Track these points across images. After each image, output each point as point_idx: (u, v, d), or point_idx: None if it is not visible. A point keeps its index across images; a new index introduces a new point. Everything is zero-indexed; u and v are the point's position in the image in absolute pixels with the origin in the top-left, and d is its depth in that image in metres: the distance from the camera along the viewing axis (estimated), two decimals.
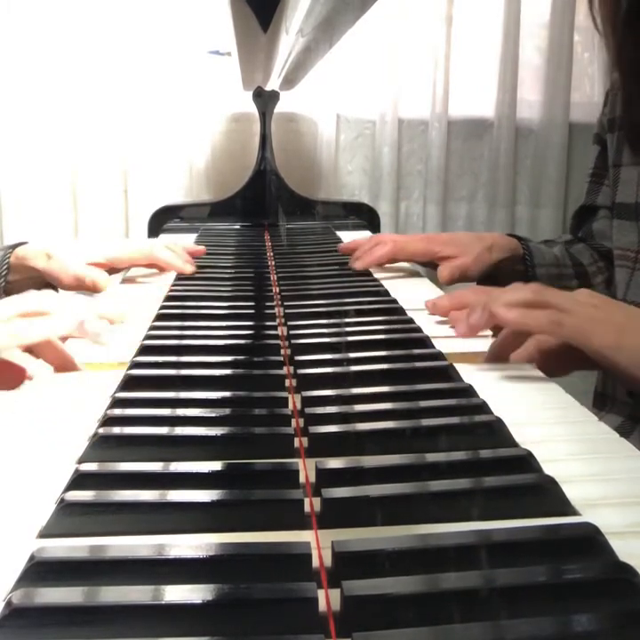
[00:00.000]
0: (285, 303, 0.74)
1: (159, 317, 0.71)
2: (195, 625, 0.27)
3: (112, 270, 0.91)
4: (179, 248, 0.94)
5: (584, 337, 0.55)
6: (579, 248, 0.99)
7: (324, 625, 0.28)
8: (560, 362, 0.59)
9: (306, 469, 0.40)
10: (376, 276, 0.91)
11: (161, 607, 0.27)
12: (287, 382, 0.53)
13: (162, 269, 0.93)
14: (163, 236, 1.35)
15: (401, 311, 0.73)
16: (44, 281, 0.86)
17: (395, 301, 0.76)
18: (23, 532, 0.34)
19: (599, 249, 0.98)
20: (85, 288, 0.83)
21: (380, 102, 1.77)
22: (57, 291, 0.85)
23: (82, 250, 0.88)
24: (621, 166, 0.89)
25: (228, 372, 0.54)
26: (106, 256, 0.88)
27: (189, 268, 0.88)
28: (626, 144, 0.88)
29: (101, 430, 0.43)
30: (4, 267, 0.84)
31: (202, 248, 0.98)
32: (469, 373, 0.56)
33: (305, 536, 0.34)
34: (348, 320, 0.68)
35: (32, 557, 0.30)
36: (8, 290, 0.84)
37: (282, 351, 0.59)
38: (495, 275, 0.92)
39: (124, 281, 0.92)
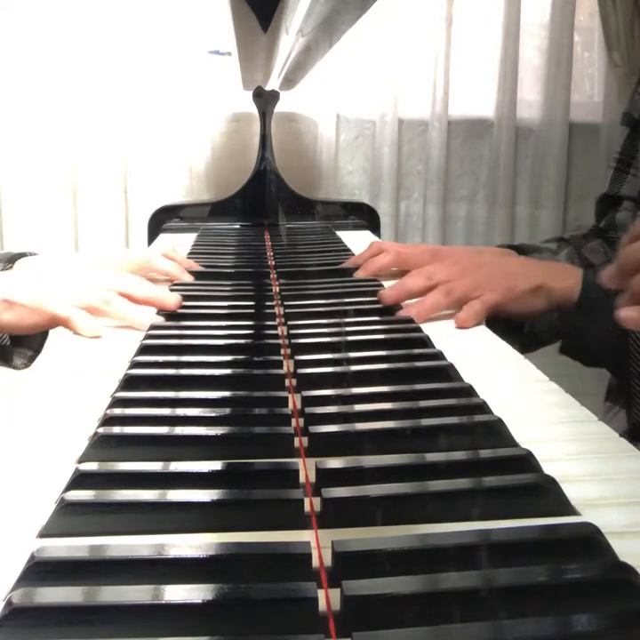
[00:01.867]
0: (285, 303, 0.74)
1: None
2: (195, 625, 0.27)
3: None
4: (178, 255, 0.93)
5: (479, 292, 0.69)
6: (592, 245, 0.96)
7: (324, 625, 0.28)
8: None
9: (306, 469, 0.40)
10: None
11: (161, 607, 0.27)
12: (287, 382, 0.53)
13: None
14: (162, 236, 1.35)
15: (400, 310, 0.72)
16: None
17: None
18: (23, 532, 0.34)
19: (617, 243, 0.96)
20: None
21: (380, 102, 1.78)
22: None
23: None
24: None
25: (227, 371, 0.54)
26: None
27: (188, 277, 0.89)
28: None
29: (101, 430, 0.42)
30: None
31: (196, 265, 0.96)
32: (470, 373, 0.56)
33: (305, 536, 0.33)
34: (347, 320, 0.68)
35: (32, 557, 0.30)
36: None
37: (282, 351, 0.59)
38: None
39: None
